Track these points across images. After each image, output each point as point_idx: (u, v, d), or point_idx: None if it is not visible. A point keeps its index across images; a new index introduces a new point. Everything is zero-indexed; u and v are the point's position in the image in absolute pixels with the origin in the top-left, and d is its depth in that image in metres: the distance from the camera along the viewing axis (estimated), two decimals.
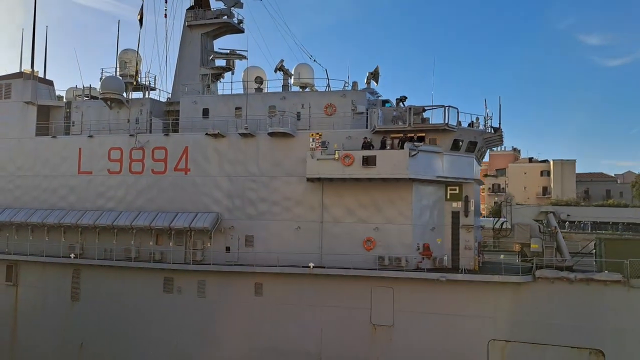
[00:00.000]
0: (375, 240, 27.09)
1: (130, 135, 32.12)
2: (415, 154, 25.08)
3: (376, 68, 31.52)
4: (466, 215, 27.22)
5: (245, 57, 35.34)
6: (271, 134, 29.01)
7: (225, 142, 30.32)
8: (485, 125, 27.41)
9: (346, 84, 30.78)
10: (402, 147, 25.50)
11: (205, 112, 32.01)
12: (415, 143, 25.26)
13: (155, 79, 37.17)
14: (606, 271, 23.38)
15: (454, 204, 27.47)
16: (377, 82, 31.51)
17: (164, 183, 31.38)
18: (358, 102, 29.38)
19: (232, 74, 33.37)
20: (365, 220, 27.43)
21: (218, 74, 36.28)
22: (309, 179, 27.51)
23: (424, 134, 26.61)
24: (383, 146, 26.21)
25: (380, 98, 31.78)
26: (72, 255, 31.75)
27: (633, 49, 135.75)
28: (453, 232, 27.36)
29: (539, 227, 25.95)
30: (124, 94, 34.19)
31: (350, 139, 27.91)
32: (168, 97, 36.08)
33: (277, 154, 29.30)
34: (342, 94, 29.70)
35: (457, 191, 27.38)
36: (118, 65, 36.88)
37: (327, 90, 31.06)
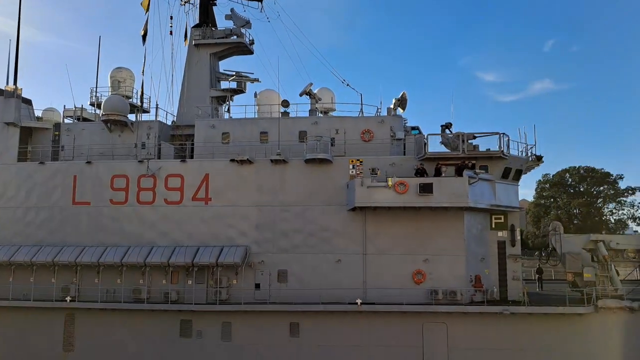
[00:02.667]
0: (426, 273, 25.75)
1: (139, 161, 28.96)
2: (475, 182, 24.25)
3: (403, 94, 30.65)
4: (513, 245, 26.64)
5: (258, 80, 33.57)
6: (307, 161, 27.17)
7: (253, 169, 28.02)
8: (526, 153, 27.19)
9: (379, 110, 29.71)
10: (460, 175, 24.59)
11: (225, 137, 29.60)
12: (475, 171, 24.47)
13: (149, 99, 34.28)
14: None
15: (500, 233, 26.82)
16: (403, 108, 30.58)
17: (180, 214, 28.38)
18: (397, 129, 28.33)
19: (255, 96, 31.21)
20: (413, 252, 26.06)
21: (225, 97, 34.02)
22: (354, 208, 25.83)
23: (474, 162, 25.89)
24: (437, 174, 25.18)
25: (407, 124, 30.95)
26: (68, 299, 27.70)
27: (523, 86, 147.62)
28: (500, 263, 26.61)
29: (591, 256, 25.85)
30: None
31: (394, 166, 26.69)
32: (173, 120, 33.17)
33: (313, 181, 27.43)
34: (380, 120, 28.52)
35: (502, 220, 26.80)
36: (110, 84, 33.70)
37: (360, 115, 29.73)
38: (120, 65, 34.15)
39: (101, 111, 30.26)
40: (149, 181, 28.81)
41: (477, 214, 26.37)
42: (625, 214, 62.15)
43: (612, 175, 62.46)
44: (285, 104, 29.91)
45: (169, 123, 32.81)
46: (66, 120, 32.70)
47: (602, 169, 62.27)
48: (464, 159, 25.44)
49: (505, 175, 26.33)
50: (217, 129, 29.79)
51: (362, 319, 25.66)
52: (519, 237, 26.67)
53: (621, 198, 62.22)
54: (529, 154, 27.06)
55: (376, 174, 25.46)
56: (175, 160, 29.02)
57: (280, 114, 29.93)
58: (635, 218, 61.54)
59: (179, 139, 31.46)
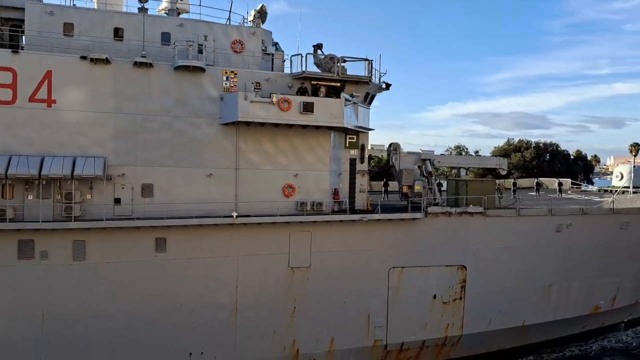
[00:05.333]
0: (295, 187, 27.31)
1: None
2: (350, 104, 26.23)
3: (262, 6, 30.05)
4: (362, 162, 29.95)
5: None
6: (176, 67, 25.09)
7: (110, 70, 24.58)
8: (379, 80, 30.18)
9: (245, 21, 28.59)
10: (337, 96, 26.18)
11: (68, 29, 24.93)
12: (353, 94, 26.30)
13: None
14: (471, 205, 30.10)
15: (352, 152, 29.77)
16: (263, 21, 30.12)
17: (13, 117, 23.48)
18: (267, 42, 28.01)
19: None
20: (285, 167, 27.17)
21: None
22: (239, 122, 25.32)
23: (344, 84, 27.67)
24: (315, 93, 26.25)
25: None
26: None
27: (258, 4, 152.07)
28: (350, 177, 29.77)
29: (421, 171, 30.98)
30: None
31: (269, 82, 26.73)
32: None
33: (182, 90, 25.60)
34: (252, 31, 27.63)
35: (355, 140, 29.69)
36: None
37: (227, 23, 28.16)
38: None
39: None
40: None
41: (338, 134, 28.69)
42: None
43: None
44: None
45: None
46: None
47: None
48: (338, 81, 27.04)
49: (365, 99, 28.99)
50: (57, 17, 24.83)
51: (233, 231, 26.17)
52: (367, 155, 30.10)
53: None
54: (381, 82, 30.14)
55: (260, 89, 25.24)
56: (5, 50, 23.38)
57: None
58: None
59: None
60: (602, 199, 36.13)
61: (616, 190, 44.55)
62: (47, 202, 23.77)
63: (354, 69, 29.01)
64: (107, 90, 24.58)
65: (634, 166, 44.14)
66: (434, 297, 29.97)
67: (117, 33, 25.57)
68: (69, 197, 24.01)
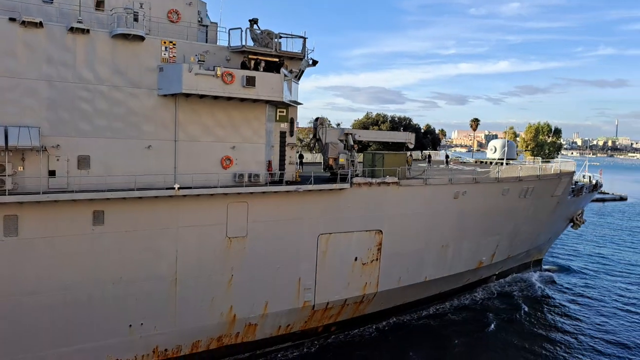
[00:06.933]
0: (233, 159, 28.07)
1: None
2: (288, 79, 27.45)
3: None
4: (291, 135, 31.45)
5: None
6: (114, 36, 24.30)
7: (43, 34, 23.09)
8: (307, 57, 31.57)
9: None
10: (277, 71, 27.19)
11: None
12: (292, 70, 27.44)
13: None
14: (387, 176, 33.26)
15: (282, 125, 31.11)
16: None
17: None
18: (203, 14, 27.95)
19: None
20: (223, 139, 27.74)
21: None
22: (183, 94, 25.34)
23: (278, 59, 28.71)
24: (256, 68, 26.99)
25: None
26: None
27: None
28: (281, 150, 31.18)
29: (344, 144, 33.25)
30: None
31: (208, 54, 26.88)
32: None
33: (119, 59, 24.88)
34: (188, 2, 27.30)
35: (285, 113, 31.04)
36: None
37: None
38: None
39: None
40: None
41: (270, 107, 29.80)
42: None
43: None
44: None
45: None
46: None
47: None
48: (275, 56, 28.02)
49: (296, 74, 30.31)
50: None
51: (173, 203, 26.37)
52: (296, 129, 31.65)
53: None
54: (309, 58, 31.61)
55: (204, 61, 25.38)
56: None
57: None
58: None
59: None
60: (484, 170, 41.75)
61: (491, 162, 51.39)
62: None
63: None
64: (40, 56, 23.13)
65: (507, 141, 51.19)
66: (355, 259, 32.91)
67: None
68: (0, 169, 22.51)
